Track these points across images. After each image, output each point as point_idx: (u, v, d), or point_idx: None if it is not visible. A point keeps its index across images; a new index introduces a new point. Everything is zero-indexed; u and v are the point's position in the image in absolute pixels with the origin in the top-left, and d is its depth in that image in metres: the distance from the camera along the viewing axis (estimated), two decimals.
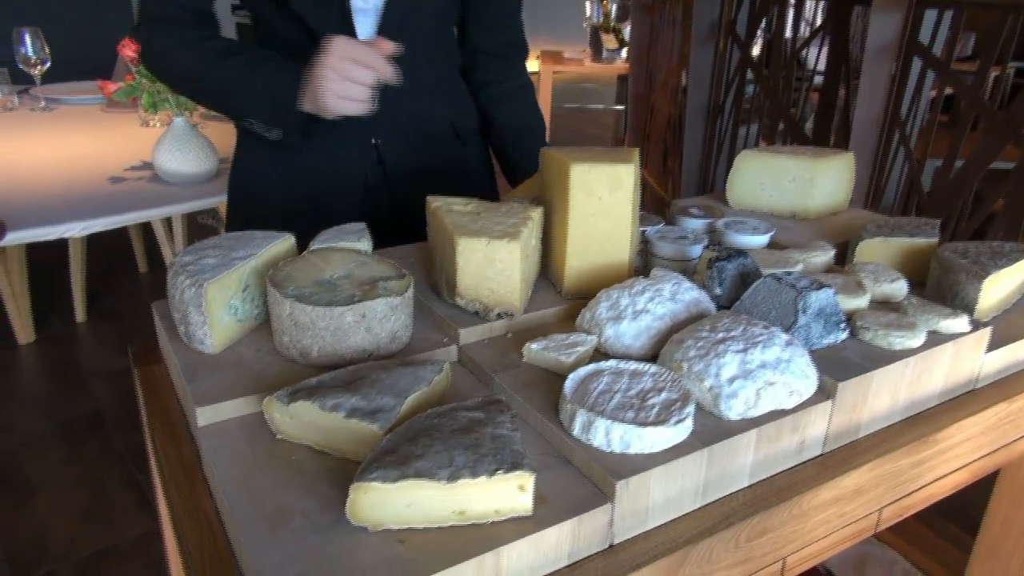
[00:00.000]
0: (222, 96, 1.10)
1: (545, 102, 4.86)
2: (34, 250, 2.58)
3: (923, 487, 0.84)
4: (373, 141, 1.19)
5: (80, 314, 2.99)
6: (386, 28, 1.12)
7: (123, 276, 3.43)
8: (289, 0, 1.08)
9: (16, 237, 1.72)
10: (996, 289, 0.90)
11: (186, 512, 0.68)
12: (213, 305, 0.77)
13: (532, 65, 5.10)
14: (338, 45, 0.98)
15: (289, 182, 1.19)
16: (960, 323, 0.82)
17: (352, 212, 1.20)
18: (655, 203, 3.50)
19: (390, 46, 1.00)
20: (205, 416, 0.70)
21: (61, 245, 2.74)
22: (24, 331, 2.80)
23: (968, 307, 0.89)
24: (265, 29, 1.16)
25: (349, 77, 0.98)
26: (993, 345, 0.87)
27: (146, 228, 3.29)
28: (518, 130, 1.33)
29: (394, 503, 0.57)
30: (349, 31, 1.10)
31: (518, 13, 1.31)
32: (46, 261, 3.27)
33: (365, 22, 1.12)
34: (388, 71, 1.00)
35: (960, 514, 1.75)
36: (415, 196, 1.22)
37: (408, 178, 1.23)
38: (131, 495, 2.07)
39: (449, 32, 1.24)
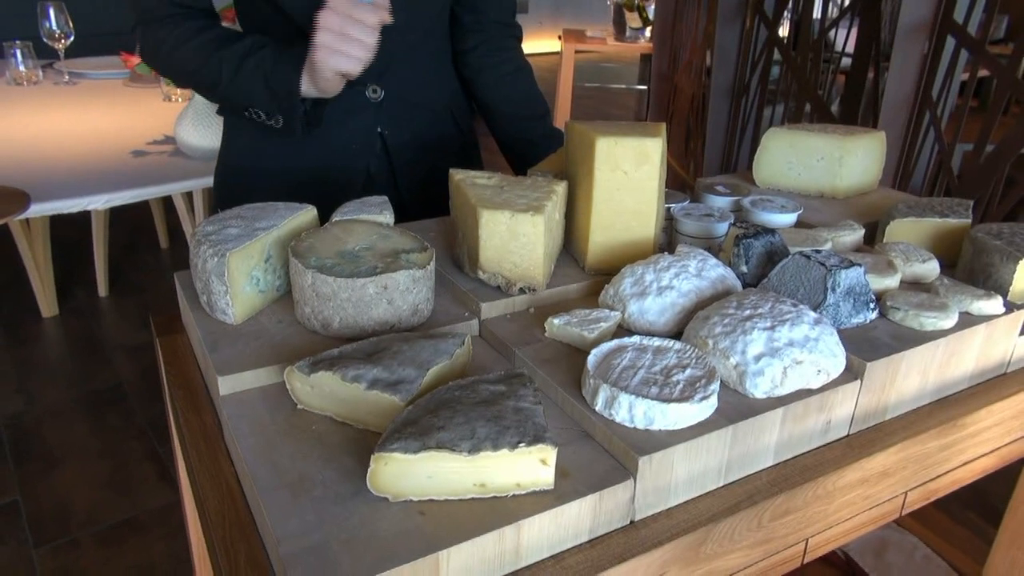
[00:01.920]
0: (220, 87, 1.07)
1: (566, 81, 4.82)
2: (57, 224, 2.61)
3: (950, 471, 0.83)
4: (379, 130, 1.18)
5: (102, 288, 3.02)
6: (395, 17, 1.10)
7: (145, 251, 3.45)
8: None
9: (39, 209, 1.73)
10: None
11: (207, 480, 0.68)
12: (235, 275, 0.76)
13: (554, 44, 5.06)
14: (334, 3, 0.95)
15: (284, 172, 1.17)
16: (994, 305, 0.80)
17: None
18: (677, 185, 3.47)
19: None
20: (227, 385, 0.70)
21: (84, 220, 2.77)
22: (48, 304, 2.83)
23: (1001, 289, 0.87)
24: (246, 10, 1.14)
25: (346, 33, 0.94)
26: None
27: (167, 204, 3.31)
28: (519, 117, 1.31)
29: (415, 474, 0.56)
30: None
31: None
32: (69, 235, 3.31)
33: None
34: (385, 15, 0.96)
35: (980, 503, 1.74)
36: (420, 185, 1.21)
37: (412, 167, 1.22)
38: (152, 467, 2.09)
39: (446, 19, 1.22)
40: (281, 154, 1.16)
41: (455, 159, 1.28)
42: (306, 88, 1.01)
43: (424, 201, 1.20)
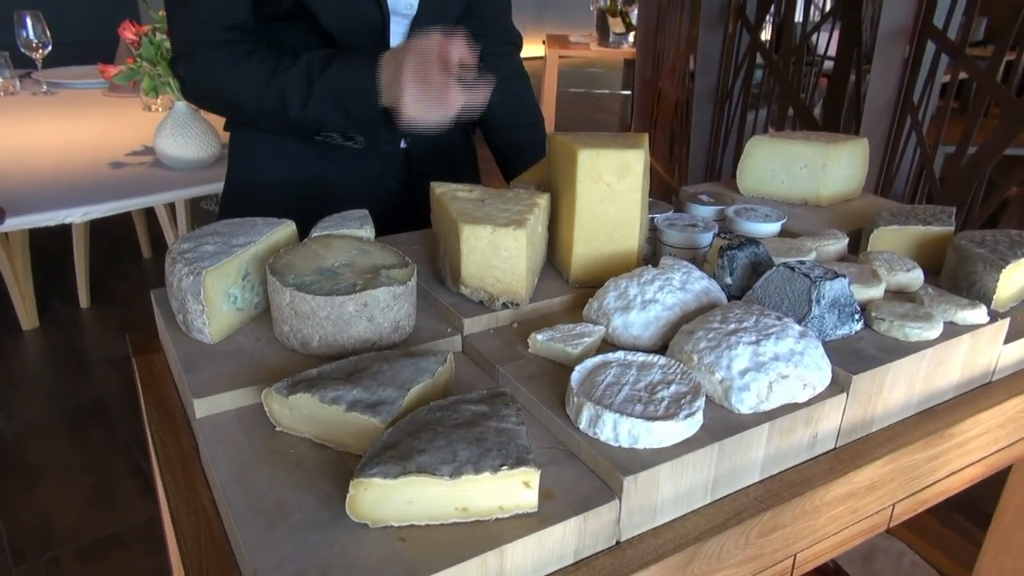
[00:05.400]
0: (287, 116, 1.01)
1: (550, 87, 4.82)
2: (37, 236, 2.57)
3: (937, 482, 0.82)
4: (403, 145, 1.17)
5: (84, 300, 2.98)
6: (416, 31, 1.10)
7: (127, 262, 3.42)
8: (314, 6, 1.02)
9: (16, 223, 1.70)
10: (1014, 279, 0.88)
11: (183, 504, 0.66)
12: (211, 294, 0.75)
13: (538, 49, 5.06)
14: (414, 44, 0.92)
15: (297, 188, 1.15)
16: (978, 314, 0.80)
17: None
18: (662, 190, 3.47)
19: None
20: (203, 408, 0.68)
21: (64, 231, 2.72)
22: (28, 317, 2.79)
23: (985, 297, 0.86)
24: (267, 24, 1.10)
25: (431, 81, 0.90)
26: (1010, 337, 0.85)
27: (149, 214, 3.27)
28: (509, 125, 1.30)
29: (395, 500, 0.55)
30: (385, 35, 1.08)
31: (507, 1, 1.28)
32: (49, 247, 3.26)
33: (398, 27, 1.10)
34: (470, 57, 0.92)
35: (966, 505, 1.74)
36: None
37: (430, 177, 1.20)
38: (134, 482, 2.06)
39: None
40: (297, 169, 1.14)
41: (465, 166, 1.28)
42: (388, 102, 0.96)
43: None
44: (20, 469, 2.09)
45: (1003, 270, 0.85)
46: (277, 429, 0.67)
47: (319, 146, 1.12)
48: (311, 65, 0.99)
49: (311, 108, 0.99)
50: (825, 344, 0.75)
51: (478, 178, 1.34)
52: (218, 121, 2.17)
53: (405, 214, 1.19)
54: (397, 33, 1.10)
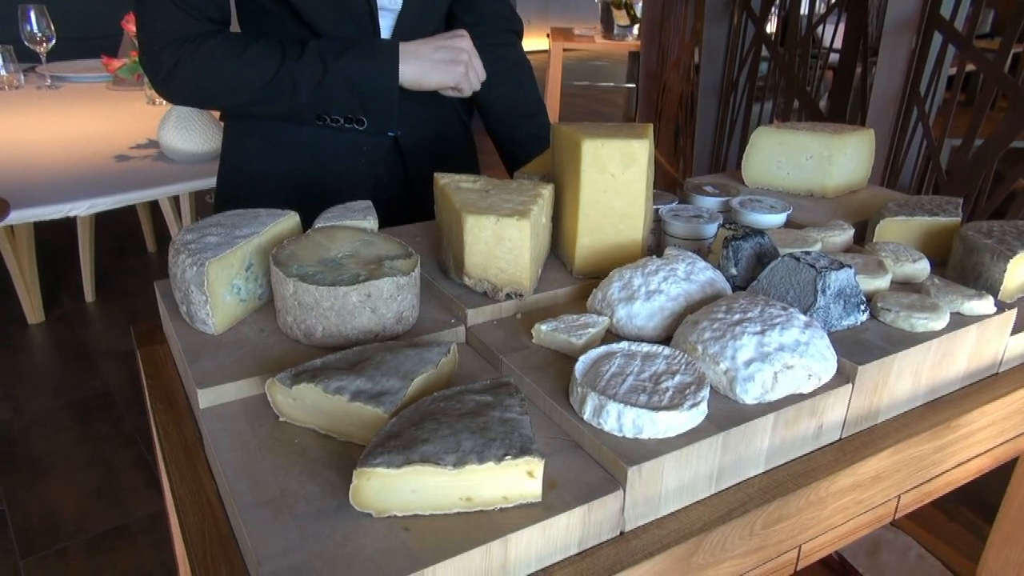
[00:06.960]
0: (296, 99, 1.03)
1: (555, 80, 4.81)
2: (43, 230, 2.58)
3: (943, 473, 0.82)
4: (392, 133, 1.17)
5: (89, 294, 2.99)
6: (401, 25, 1.10)
7: (132, 256, 3.42)
8: (303, 8, 1.03)
9: (20, 216, 1.70)
10: (1021, 270, 0.88)
11: (188, 494, 0.66)
12: (215, 284, 0.75)
13: (542, 42, 5.05)
14: (469, 38, 1.09)
15: (290, 177, 1.15)
16: (985, 305, 0.79)
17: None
18: (667, 183, 3.46)
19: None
20: (207, 398, 0.68)
21: (70, 225, 2.73)
22: (33, 311, 2.80)
23: (992, 288, 0.86)
24: (251, 19, 1.11)
25: (474, 65, 1.10)
26: (1017, 328, 0.85)
27: (154, 207, 3.28)
28: (510, 115, 1.30)
29: (399, 489, 0.55)
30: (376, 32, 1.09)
31: None
32: (55, 241, 3.28)
33: (384, 20, 1.10)
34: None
35: (973, 498, 1.73)
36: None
37: (425, 168, 1.20)
38: (140, 475, 2.07)
39: (444, 14, 1.22)
40: (289, 159, 1.14)
41: (464, 157, 1.28)
42: (405, 81, 1.06)
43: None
44: (27, 462, 2.10)
45: (1010, 260, 0.84)
46: (281, 419, 0.67)
47: (307, 136, 1.12)
48: (322, 50, 1.02)
49: (324, 91, 1.03)
50: (830, 335, 0.74)
51: (477, 169, 1.33)
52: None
53: (404, 207, 1.19)
54: (383, 28, 1.10)
